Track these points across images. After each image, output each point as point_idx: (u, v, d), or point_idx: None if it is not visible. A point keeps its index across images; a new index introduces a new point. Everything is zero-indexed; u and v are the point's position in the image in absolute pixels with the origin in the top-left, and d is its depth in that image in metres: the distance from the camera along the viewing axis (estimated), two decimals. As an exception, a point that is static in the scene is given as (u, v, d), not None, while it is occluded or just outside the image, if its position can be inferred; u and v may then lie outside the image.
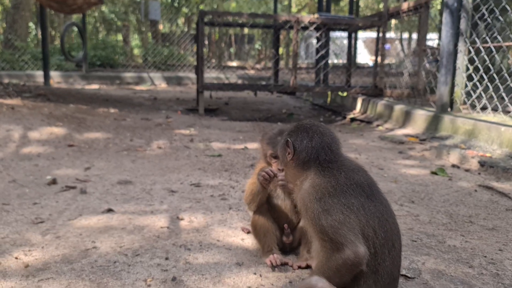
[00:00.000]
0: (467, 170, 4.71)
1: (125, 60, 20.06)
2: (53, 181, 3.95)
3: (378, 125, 7.67)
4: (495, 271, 2.40)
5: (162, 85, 15.59)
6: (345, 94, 9.51)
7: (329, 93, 10.16)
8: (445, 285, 2.24)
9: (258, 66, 24.70)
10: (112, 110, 8.06)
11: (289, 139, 1.85)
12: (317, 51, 10.55)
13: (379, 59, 9.03)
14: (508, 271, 2.41)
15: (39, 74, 13.83)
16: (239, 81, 15.47)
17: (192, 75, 15.85)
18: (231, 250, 2.67)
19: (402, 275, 2.33)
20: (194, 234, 2.88)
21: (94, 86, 13.59)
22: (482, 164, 4.73)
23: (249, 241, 2.77)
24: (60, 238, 2.76)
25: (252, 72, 20.10)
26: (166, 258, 2.51)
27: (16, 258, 2.48)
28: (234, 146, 5.79)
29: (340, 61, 20.58)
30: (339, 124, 8.18)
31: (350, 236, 1.58)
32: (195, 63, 16.32)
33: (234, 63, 27.30)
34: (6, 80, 12.71)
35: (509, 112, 5.83)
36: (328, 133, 1.90)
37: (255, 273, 2.34)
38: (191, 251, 2.63)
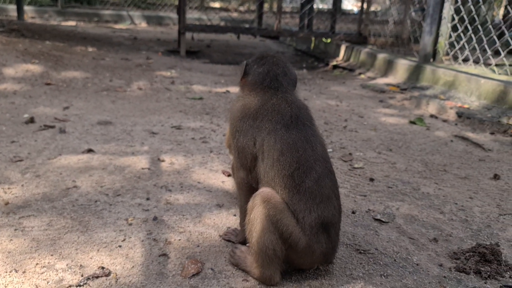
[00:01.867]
0: (444, 121, 4.79)
1: (103, -3, 19.22)
2: (31, 120, 3.88)
3: (360, 73, 7.65)
4: (465, 217, 2.51)
5: (142, 24, 15.08)
6: (329, 40, 9.39)
7: (312, 39, 10.01)
8: (417, 229, 2.33)
9: (241, 8, 24.01)
10: (90, 49, 7.82)
11: (245, 62, 1.99)
12: (303, -6, 10.27)
13: (364, 5, 8.87)
14: (476, 217, 2.52)
15: (11, 8, 13.19)
16: (222, 23, 15.08)
17: (174, 16, 15.34)
18: (212, 192, 2.71)
19: (377, 219, 2.42)
20: (175, 175, 2.91)
21: (71, 23, 13.08)
22: (459, 115, 4.81)
23: (229, 183, 2.81)
24: (40, 177, 2.75)
25: (235, 14, 19.55)
26: (147, 199, 2.54)
27: (-5, 195, 2.47)
28: (215, 90, 5.74)
29: (326, 7, 20.16)
30: (322, 71, 8.14)
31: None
32: (176, 2, 15.65)
33: (216, 4, 26.48)
34: (-23, 13, 12.13)
35: (490, 64, 5.87)
36: (281, 65, 2.00)
37: (235, 215, 2.40)
38: (172, 192, 2.66)
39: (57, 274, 1.78)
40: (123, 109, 4.54)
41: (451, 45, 6.46)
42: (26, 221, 2.20)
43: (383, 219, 2.41)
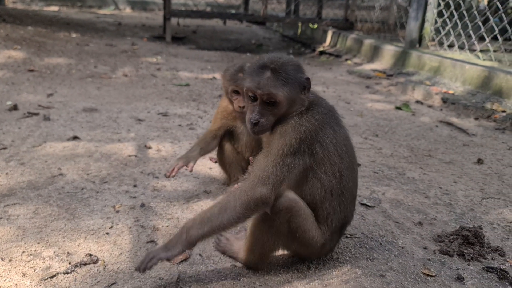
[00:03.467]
0: (430, 106, 4.84)
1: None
2: (14, 107, 3.82)
3: (347, 59, 7.66)
4: (449, 201, 2.55)
5: (126, 9, 14.87)
6: (315, 26, 9.36)
7: (299, 24, 9.97)
8: (402, 213, 2.37)
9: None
10: (74, 35, 7.70)
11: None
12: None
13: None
14: (460, 201, 2.56)
15: (-8, -7, 12.90)
16: (208, 9, 14.93)
17: (159, 1, 15.15)
18: (199, 178, 2.71)
19: (363, 204, 2.44)
20: (162, 162, 2.90)
21: (54, 8, 12.84)
22: (444, 100, 4.86)
23: (216, 170, 2.82)
24: (25, 165, 2.72)
25: (221, 0, 19.38)
26: (134, 186, 2.53)
27: (-21, 183, 2.44)
28: (202, 76, 5.70)
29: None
30: (308, 57, 8.13)
31: None
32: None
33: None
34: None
35: (475, 50, 5.91)
36: None
37: (222, 201, 2.40)
38: (159, 179, 2.65)
39: (44, 262, 1.78)
40: (108, 95, 4.49)
41: (437, 31, 6.49)
42: (11, 210, 2.18)
43: (369, 204, 2.44)
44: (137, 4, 15.44)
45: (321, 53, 8.32)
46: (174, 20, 10.43)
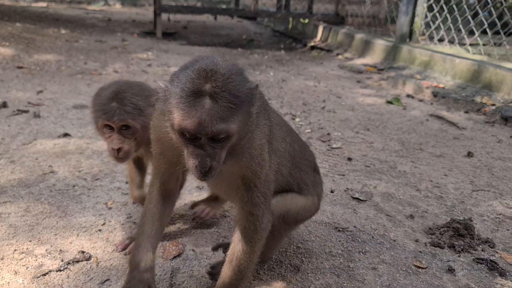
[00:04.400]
0: (421, 100, 4.86)
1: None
2: (3, 105, 3.78)
3: (338, 54, 7.67)
4: (439, 194, 2.57)
5: (116, 5, 14.75)
6: (306, 21, 9.36)
7: (290, 19, 9.96)
8: (394, 207, 2.38)
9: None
10: (63, 31, 7.63)
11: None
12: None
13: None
14: (450, 194, 2.58)
15: (-21, -11, 12.73)
16: (199, 4, 14.86)
17: (149, -4, 15.06)
18: (191, 174, 2.72)
19: (355, 198, 2.46)
20: (154, 159, 2.89)
21: (42, 4, 12.70)
22: (435, 94, 4.89)
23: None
24: (15, 163, 2.70)
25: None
26: (126, 182, 2.52)
27: (-31, 182, 2.42)
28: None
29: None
30: (300, 52, 8.13)
31: None
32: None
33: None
34: None
35: (464, 44, 5.95)
36: None
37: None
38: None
39: (36, 260, 1.77)
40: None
41: (427, 25, 6.51)
42: (2, 208, 2.17)
43: (361, 198, 2.45)
44: (126, 0, 15.32)
45: (312, 48, 8.32)
46: (164, 16, 10.37)
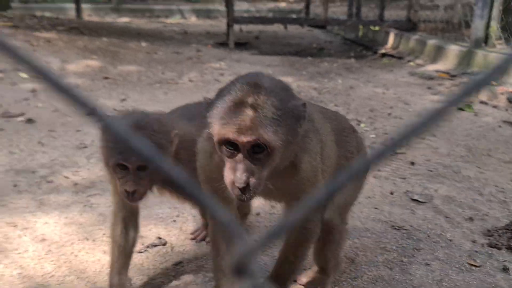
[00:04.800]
0: (494, 107, 4.73)
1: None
2: (94, 111, 4.21)
3: (409, 61, 7.58)
4: (503, 199, 2.56)
5: (192, 18, 15.50)
6: (377, 28, 9.32)
7: (360, 27, 9.96)
8: (453, 209, 2.42)
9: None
10: (143, 44, 8.21)
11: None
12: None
13: (414, -10, 8.73)
14: (516, 199, 2.56)
15: (69, 7, 13.94)
16: (270, 14, 15.22)
17: (222, 8, 15.62)
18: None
19: (414, 199, 2.52)
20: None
21: (125, 19, 13.66)
22: (510, 100, 4.73)
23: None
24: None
25: (283, 4, 19.61)
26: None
27: (66, 177, 2.78)
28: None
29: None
30: (370, 59, 8.12)
31: None
32: (225, -5, 15.99)
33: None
34: (39, 13, 12.93)
35: (544, 47, 5.68)
36: None
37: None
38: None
39: (121, 243, 2.04)
40: (175, 100, 4.81)
41: (503, 29, 6.28)
42: (93, 199, 2.49)
43: (420, 200, 2.51)
44: (201, 12, 16.03)
45: (383, 55, 8.28)
46: (236, 27, 10.77)
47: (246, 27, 11.84)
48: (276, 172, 1.28)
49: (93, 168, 2.92)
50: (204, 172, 1.46)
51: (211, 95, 1.30)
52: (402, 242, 2.06)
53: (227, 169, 1.22)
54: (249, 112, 1.16)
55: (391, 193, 2.60)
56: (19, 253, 1.96)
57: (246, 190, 1.19)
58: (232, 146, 1.19)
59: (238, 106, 1.18)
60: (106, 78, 5.70)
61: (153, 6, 16.46)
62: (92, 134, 3.61)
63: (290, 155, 1.29)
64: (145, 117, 1.63)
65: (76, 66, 5.97)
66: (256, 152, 1.19)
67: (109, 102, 4.62)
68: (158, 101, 4.76)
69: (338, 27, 11.55)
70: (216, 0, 18.43)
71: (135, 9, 15.91)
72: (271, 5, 18.17)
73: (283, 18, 9.77)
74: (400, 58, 7.90)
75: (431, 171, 2.98)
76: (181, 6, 16.56)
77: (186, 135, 1.66)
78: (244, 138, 1.16)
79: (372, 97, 5.12)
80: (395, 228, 2.18)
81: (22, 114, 3.96)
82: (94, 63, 6.20)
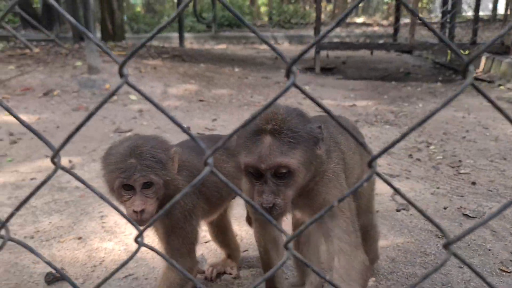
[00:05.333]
0: None
1: (251, 20, 21.01)
2: (188, 129, 4.86)
3: (500, 85, 7.43)
4: (557, 219, 2.65)
5: (284, 44, 16.21)
6: (467, 52, 9.19)
7: (448, 51, 9.86)
8: (502, 225, 2.58)
9: (384, 22, 23.87)
10: (236, 69, 8.93)
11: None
12: (444, 1, 10.07)
13: (508, 12, 8.53)
14: None
15: (175, 36, 15.34)
16: (361, 39, 15.42)
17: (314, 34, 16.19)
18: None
19: (465, 214, 2.71)
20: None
21: (222, 46, 14.70)
22: None
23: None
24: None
25: (376, 28, 19.66)
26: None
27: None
28: (343, 104, 6.24)
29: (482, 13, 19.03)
30: (459, 84, 8.06)
31: None
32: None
33: (361, 19, 26.65)
34: (148, 43, 14.39)
35: None
36: None
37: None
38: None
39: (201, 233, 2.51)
40: (259, 120, 5.33)
41: None
42: (182, 200, 3.01)
43: (471, 215, 2.70)
44: (294, 38, 16.69)
45: (474, 79, 8.16)
46: (324, 53, 11.18)
47: (334, 53, 12.20)
48: (303, 191, 1.43)
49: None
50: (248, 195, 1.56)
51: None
52: (442, 249, 2.29)
53: (255, 192, 1.37)
54: (268, 140, 1.31)
55: (445, 208, 2.81)
56: (125, 235, 2.52)
57: (273, 209, 1.33)
58: (256, 172, 1.34)
59: (258, 134, 1.33)
60: (201, 100, 6.39)
61: (248, 34, 17.44)
62: (186, 148, 4.21)
63: (314, 174, 1.41)
64: (143, 137, 1.70)
65: (177, 90, 6.75)
66: (279, 175, 1.33)
67: (202, 122, 5.24)
68: (244, 121, 5.29)
69: (427, 51, 11.47)
70: (309, 26, 19.04)
71: (231, 37, 17.01)
72: (365, 29, 18.34)
73: (368, 43, 10.01)
74: (490, 82, 7.76)
75: (491, 191, 3.11)
76: (275, 33, 17.37)
77: (185, 162, 1.77)
78: (265, 165, 1.31)
79: (450, 121, 5.21)
80: (438, 237, 2.42)
81: (130, 130, 4.70)
82: (191, 87, 6.96)
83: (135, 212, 1.55)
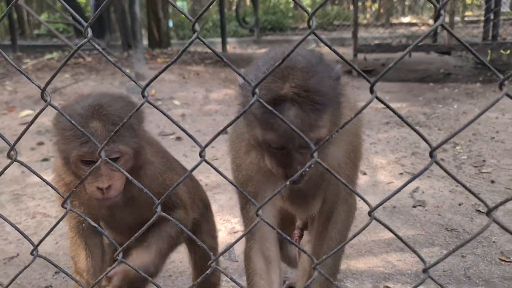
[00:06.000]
0: None
1: (293, 23, 21.25)
2: (226, 132, 5.20)
3: (541, 85, 7.33)
4: None
5: (325, 47, 16.34)
6: (508, 52, 9.06)
7: (488, 51, 9.73)
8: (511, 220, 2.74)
9: (431, 22, 23.41)
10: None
11: None
12: None
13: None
14: None
15: (218, 41, 15.82)
16: (404, 40, 15.32)
17: (358, 37, 16.22)
18: (347, 185, 3.50)
19: (478, 210, 2.89)
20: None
21: (264, 50, 15.04)
22: None
23: (364, 179, 3.55)
24: (228, 170, 3.93)
25: (423, 28, 19.38)
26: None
27: (200, 179, 3.70)
28: (377, 106, 6.39)
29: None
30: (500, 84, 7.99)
31: None
32: (362, 21, 16.50)
33: (407, 19, 26.19)
34: (192, 49, 14.96)
35: None
36: None
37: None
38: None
39: (231, 225, 2.83)
40: (294, 123, 5.60)
41: None
42: (216, 196, 3.34)
43: (483, 211, 2.86)
44: (336, 41, 16.78)
45: (513, 79, 8.06)
46: (361, 55, 11.28)
47: (375, 55, 12.25)
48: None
49: (218, 176, 3.80)
50: (241, 172, 1.47)
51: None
52: (449, 240, 2.49)
53: (275, 162, 1.19)
54: (291, 112, 1.07)
55: (460, 204, 2.98)
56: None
57: (301, 179, 1.17)
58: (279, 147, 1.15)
59: (276, 102, 1.09)
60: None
61: (290, 37, 17.71)
62: (223, 149, 4.56)
63: (335, 127, 1.14)
64: (107, 94, 1.41)
65: (217, 95, 7.13)
66: (306, 145, 0.99)
67: (239, 125, 5.57)
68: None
69: (466, 51, 11.30)
70: (351, 28, 19.00)
71: (273, 40, 17.32)
72: (411, 29, 18.14)
73: (405, 45, 10.02)
74: (532, 82, 7.67)
75: (509, 189, 3.25)
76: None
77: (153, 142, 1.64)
78: (293, 144, 1.12)
79: (482, 121, 5.28)
80: (448, 230, 2.61)
81: (173, 133, 5.10)
82: (231, 91, 7.29)
83: (99, 189, 1.29)
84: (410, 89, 7.67)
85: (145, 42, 12.44)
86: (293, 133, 0.95)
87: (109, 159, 1.12)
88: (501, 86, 0.80)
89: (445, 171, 0.90)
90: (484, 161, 3.88)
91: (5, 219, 1.18)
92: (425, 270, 1.00)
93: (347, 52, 14.16)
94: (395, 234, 0.99)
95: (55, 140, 1.33)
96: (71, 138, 1.25)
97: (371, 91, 0.89)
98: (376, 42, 12.84)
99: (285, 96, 1.08)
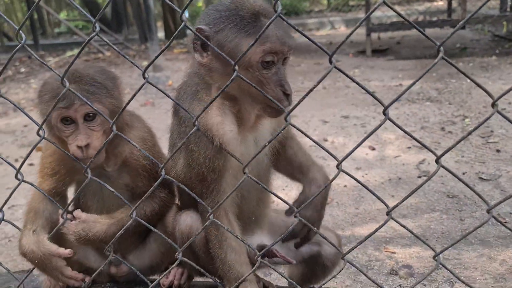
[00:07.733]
0: None
1: (308, 6, 21.15)
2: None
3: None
4: None
5: (341, 28, 16.26)
6: (524, 22, 8.93)
7: (504, 23, 9.60)
8: (514, 185, 2.84)
9: (449, -5, 22.94)
10: (290, 58, 9.32)
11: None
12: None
13: None
14: None
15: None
16: (418, 17, 15.14)
17: (372, 16, 16.08)
18: (355, 160, 3.64)
19: (481, 177, 3.00)
20: (333, 150, 3.92)
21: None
22: None
23: (372, 155, 3.69)
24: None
25: (441, 3, 19.06)
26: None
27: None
28: (389, 84, 6.47)
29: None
30: (517, 55, 7.94)
31: None
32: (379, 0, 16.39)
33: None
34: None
35: None
36: None
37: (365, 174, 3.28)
38: (326, 160, 3.68)
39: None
40: (306, 105, 5.71)
41: None
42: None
43: (486, 178, 2.97)
44: (351, 22, 16.68)
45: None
46: (375, 35, 11.24)
47: (390, 33, 12.19)
48: None
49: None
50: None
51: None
52: (450, 206, 2.62)
53: (268, 84, 1.24)
54: (269, 21, 1.05)
55: (463, 173, 3.10)
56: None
57: (289, 98, 1.27)
58: (270, 59, 1.21)
59: (254, 18, 1.19)
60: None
61: (306, 20, 17.66)
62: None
63: None
64: (85, 62, 1.48)
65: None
66: (284, 60, 1.23)
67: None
68: (293, 106, 5.72)
69: (482, 24, 11.15)
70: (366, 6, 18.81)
71: (288, 25, 17.24)
72: (427, 4, 17.86)
73: (418, 22, 9.96)
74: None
75: (516, 158, 3.34)
76: (332, 18, 17.43)
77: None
78: (287, 47, 1.21)
79: (495, 94, 5.27)
80: (449, 197, 2.74)
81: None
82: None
83: (79, 147, 1.38)
84: (424, 66, 7.68)
85: (162, 34, 12.66)
86: (283, 37, 1.16)
87: (86, 117, 1.38)
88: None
89: (397, 125, 1.05)
90: (492, 131, 3.96)
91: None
92: (434, 257, 1.12)
93: (361, 32, 14.13)
94: (408, 230, 1.13)
95: (38, 108, 1.43)
96: (49, 99, 1.37)
97: (331, 62, 1.00)
98: (393, 20, 12.74)
99: (257, 12, 1.21)
